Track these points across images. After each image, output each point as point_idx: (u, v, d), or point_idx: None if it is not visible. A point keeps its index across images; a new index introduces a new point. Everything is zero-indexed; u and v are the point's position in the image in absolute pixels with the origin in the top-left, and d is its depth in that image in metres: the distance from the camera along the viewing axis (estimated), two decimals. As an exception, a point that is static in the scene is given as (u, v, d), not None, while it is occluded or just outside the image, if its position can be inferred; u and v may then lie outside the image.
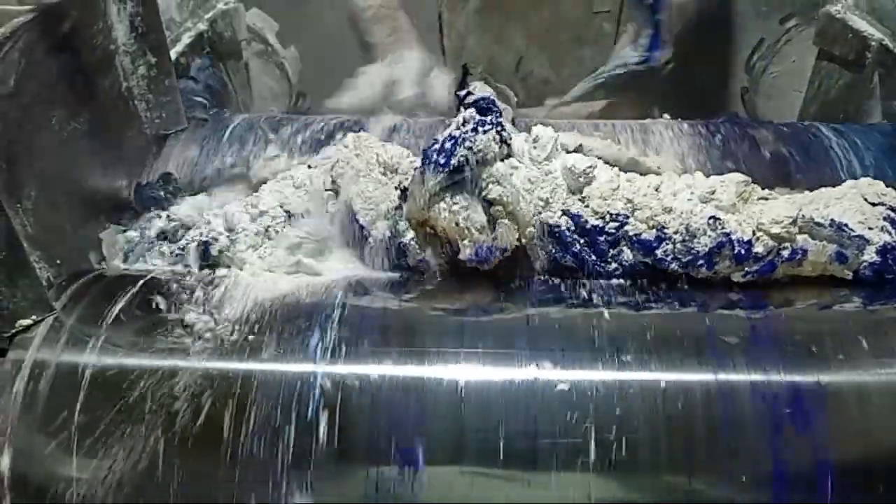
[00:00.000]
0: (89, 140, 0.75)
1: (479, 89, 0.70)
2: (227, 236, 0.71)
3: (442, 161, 0.63)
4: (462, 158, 0.64)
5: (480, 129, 0.65)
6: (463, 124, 0.65)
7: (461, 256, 0.65)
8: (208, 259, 0.71)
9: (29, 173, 0.65)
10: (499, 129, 0.65)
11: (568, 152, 0.68)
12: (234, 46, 1.28)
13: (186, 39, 1.11)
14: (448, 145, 0.64)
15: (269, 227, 0.72)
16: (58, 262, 0.67)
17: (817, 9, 1.18)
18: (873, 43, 1.03)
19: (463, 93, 0.70)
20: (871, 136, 0.84)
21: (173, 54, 1.00)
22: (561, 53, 1.61)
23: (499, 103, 0.69)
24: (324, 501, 0.55)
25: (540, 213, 0.66)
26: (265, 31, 1.43)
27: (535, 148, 0.66)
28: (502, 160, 0.67)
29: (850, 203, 0.63)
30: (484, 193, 0.65)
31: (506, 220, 0.65)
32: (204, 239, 0.71)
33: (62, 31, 0.71)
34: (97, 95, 0.78)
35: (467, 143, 0.64)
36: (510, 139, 0.67)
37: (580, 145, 0.68)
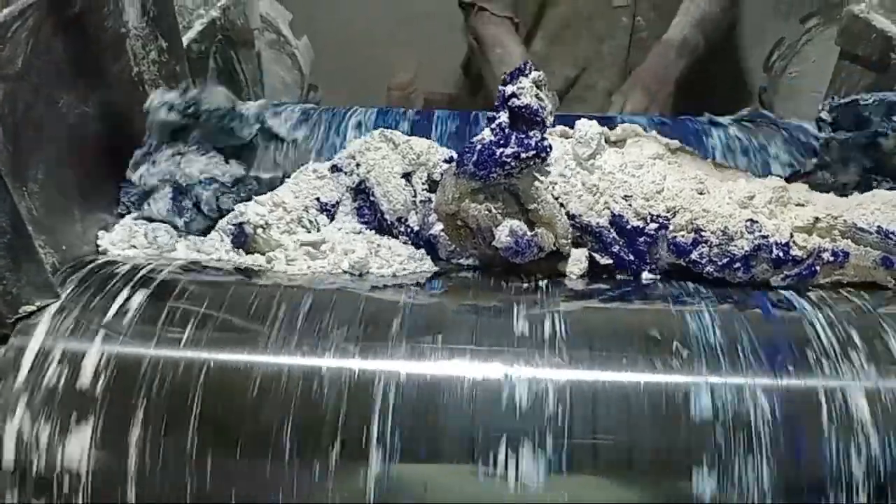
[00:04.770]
0: (99, 125, 0.73)
1: (527, 92, 0.63)
2: (263, 217, 0.70)
3: (478, 173, 0.61)
4: (498, 177, 0.61)
5: (522, 153, 0.61)
6: (504, 142, 0.61)
7: (496, 243, 0.62)
8: (244, 241, 0.70)
9: (36, 156, 0.63)
10: (542, 153, 0.62)
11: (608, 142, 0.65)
12: (246, 35, 1.26)
13: (198, 26, 1.09)
14: (485, 158, 0.61)
15: (301, 216, 0.71)
16: (63, 247, 0.65)
17: (839, 8, 1.15)
18: (898, 43, 1.01)
19: (509, 90, 0.63)
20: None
21: (185, 41, 0.98)
22: (581, 50, 1.59)
23: (544, 115, 0.63)
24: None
25: (581, 215, 0.64)
26: (278, 21, 1.42)
27: (579, 144, 0.64)
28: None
29: (900, 210, 0.60)
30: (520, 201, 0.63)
31: (542, 228, 0.63)
32: (239, 220, 0.70)
33: (71, 12, 0.69)
34: (107, 79, 0.76)
35: (506, 167, 0.61)
36: (549, 151, 0.63)
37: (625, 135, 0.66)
